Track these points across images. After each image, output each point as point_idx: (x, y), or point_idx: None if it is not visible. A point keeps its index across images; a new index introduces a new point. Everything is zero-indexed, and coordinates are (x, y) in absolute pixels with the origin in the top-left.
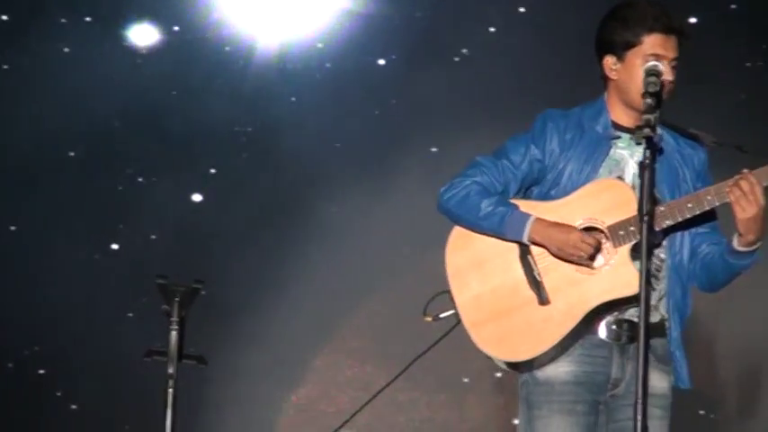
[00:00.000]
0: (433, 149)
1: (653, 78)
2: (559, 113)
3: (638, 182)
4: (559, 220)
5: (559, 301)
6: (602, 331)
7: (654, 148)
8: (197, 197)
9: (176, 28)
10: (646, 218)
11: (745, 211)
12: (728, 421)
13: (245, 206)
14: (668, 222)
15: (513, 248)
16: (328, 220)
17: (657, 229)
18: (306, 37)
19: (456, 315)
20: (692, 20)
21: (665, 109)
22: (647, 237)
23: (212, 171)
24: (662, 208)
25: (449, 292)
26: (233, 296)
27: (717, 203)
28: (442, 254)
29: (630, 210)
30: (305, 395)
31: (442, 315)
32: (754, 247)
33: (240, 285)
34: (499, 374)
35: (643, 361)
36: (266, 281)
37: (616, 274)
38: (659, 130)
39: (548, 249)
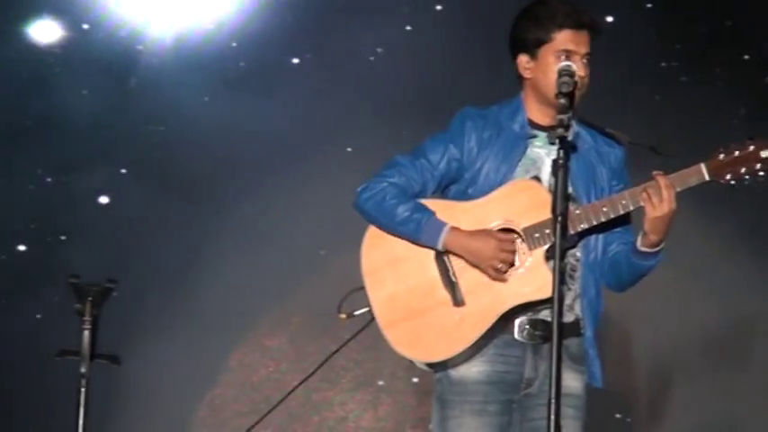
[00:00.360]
0: (349, 149)
1: (566, 78)
2: (477, 112)
3: (554, 181)
4: (475, 221)
5: (474, 303)
6: (516, 331)
7: (567, 148)
8: (105, 199)
9: (86, 26)
10: (559, 217)
11: (656, 209)
12: (641, 424)
13: (158, 206)
14: (583, 226)
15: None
16: (243, 220)
17: (572, 232)
18: (220, 36)
19: (371, 312)
20: (609, 18)
21: (584, 106)
22: (560, 236)
23: (123, 171)
24: (577, 211)
25: (363, 289)
26: (146, 295)
27: (631, 208)
28: (359, 254)
29: (546, 212)
30: (219, 395)
31: (356, 312)
32: (657, 248)
33: (153, 285)
34: (416, 379)
35: (556, 360)
36: (180, 280)
37: (531, 276)
38: (576, 128)
39: (464, 259)
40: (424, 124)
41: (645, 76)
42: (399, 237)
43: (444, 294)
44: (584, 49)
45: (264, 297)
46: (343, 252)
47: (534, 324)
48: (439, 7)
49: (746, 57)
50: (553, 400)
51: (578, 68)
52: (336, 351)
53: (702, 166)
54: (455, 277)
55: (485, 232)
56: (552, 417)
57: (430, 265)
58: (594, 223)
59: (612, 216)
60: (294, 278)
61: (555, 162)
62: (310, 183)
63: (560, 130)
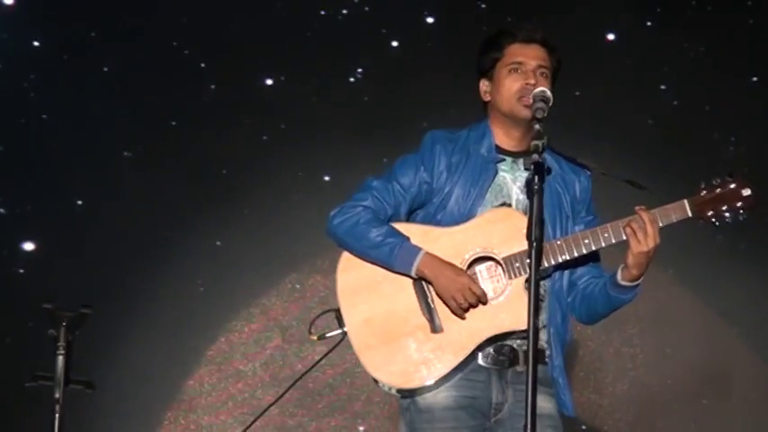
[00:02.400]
0: (326, 178)
1: (541, 104)
2: (446, 135)
3: (522, 206)
4: (453, 248)
5: (452, 331)
6: (481, 356)
7: (542, 174)
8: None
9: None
10: (534, 243)
11: (641, 244)
12: None
13: (127, 231)
14: (564, 257)
15: None
16: (213, 248)
17: (553, 263)
18: (189, 56)
19: (343, 334)
20: (611, 36)
21: (577, 126)
22: (536, 262)
23: (79, 202)
24: (558, 242)
25: (336, 311)
26: (115, 322)
27: (614, 241)
28: (333, 278)
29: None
30: (194, 420)
31: (328, 334)
32: (637, 282)
33: (123, 310)
34: (390, 406)
35: (532, 389)
36: (152, 305)
37: (510, 306)
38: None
39: (432, 286)
40: (406, 148)
41: (639, 97)
42: (372, 262)
43: (422, 320)
44: (535, 62)
45: (239, 322)
46: (317, 276)
47: (498, 349)
48: (431, 19)
49: (755, 79)
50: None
51: (531, 80)
52: (308, 371)
53: (686, 202)
54: (433, 303)
55: (460, 269)
56: None
57: (408, 289)
58: (576, 255)
59: (594, 248)
60: (268, 304)
61: (529, 187)
62: (285, 207)
63: (535, 156)
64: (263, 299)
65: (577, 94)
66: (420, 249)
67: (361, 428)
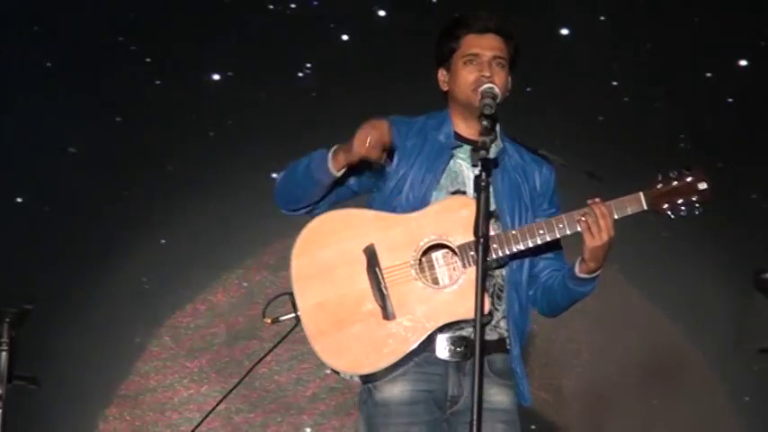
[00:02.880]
0: (273, 175)
1: (489, 101)
2: (403, 120)
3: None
4: (409, 234)
5: (405, 317)
6: (439, 349)
7: (489, 170)
8: None
9: None
10: (481, 239)
11: (594, 238)
12: None
13: (70, 228)
14: (519, 247)
15: (361, 259)
16: (158, 245)
17: (508, 252)
18: (134, 51)
19: (296, 318)
20: (564, 31)
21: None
22: (482, 257)
23: (18, 200)
24: (513, 232)
25: (290, 294)
26: (62, 316)
27: (568, 232)
28: (279, 275)
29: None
30: (140, 415)
31: (282, 318)
32: (595, 274)
33: (75, 303)
34: (337, 402)
35: (478, 381)
36: (102, 298)
37: (464, 294)
38: (504, 144)
39: (351, 154)
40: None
41: (591, 93)
42: (305, 189)
43: (374, 306)
44: (490, 53)
45: (184, 318)
46: (265, 273)
47: (455, 341)
48: (382, 12)
49: (708, 75)
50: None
51: (486, 72)
52: (259, 361)
53: (641, 195)
54: (386, 290)
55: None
56: None
57: (361, 275)
58: (531, 245)
59: (549, 239)
60: (215, 300)
61: (477, 183)
62: (231, 203)
63: (482, 152)
64: (209, 295)
65: (528, 90)
66: (329, 148)
67: (308, 422)
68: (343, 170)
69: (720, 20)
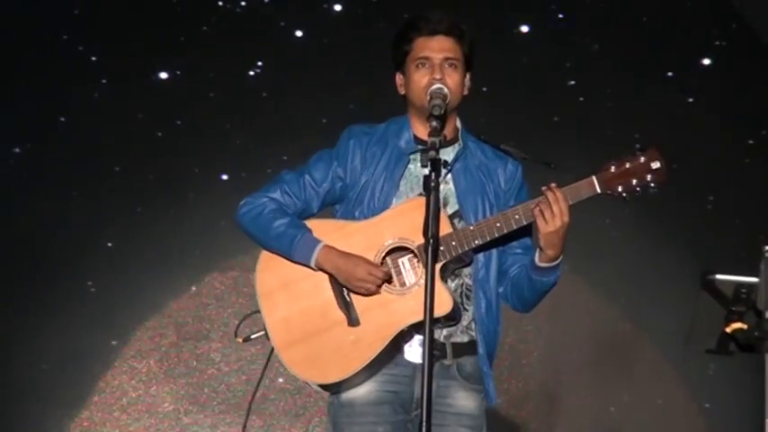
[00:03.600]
0: (224, 177)
1: (438, 101)
2: (363, 130)
3: (444, 196)
4: (368, 240)
5: (370, 322)
6: (407, 351)
7: (438, 171)
8: None
9: None
10: (431, 240)
11: (548, 224)
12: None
13: (14, 230)
14: (477, 242)
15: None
16: (104, 248)
17: (467, 248)
18: (79, 49)
19: (266, 335)
20: (524, 28)
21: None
22: (432, 258)
23: None
24: (471, 227)
25: (259, 312)
26: (3, 324)
27: (524, 222)
28: (230, 277)
29: (441, 228)
30: (87, 416)
31: (253, 336)
32: (555, 263)
33: (19, 307)
34: (286, 402)
35: (427, 385)
36: (47, 302)
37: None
38: (465, 143)
39: (335, 278)
40: (311, 145)
41: (547, 92)
42: (274, 252)
43: (339, 314)
44: (440, 55)
45: (132, 320)
46: (214, 274)
47: (423, 344)
48: (338, 7)
49: (669, 74)
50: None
51: (437, 74)
52: (257, 387)
53: (594, 178)
54: (349, 297)
55: (358, 257)
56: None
57: (324, 285)
58: (488, 239)
59: (506, 231)
60: (164, 301)
61: (426, 183)
62: (180, 205)
63: (431, 153)
64: (157, 297)
65: (484, 90)
66: (319, 242)
67: (257, 424)
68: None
69: (682, 19)
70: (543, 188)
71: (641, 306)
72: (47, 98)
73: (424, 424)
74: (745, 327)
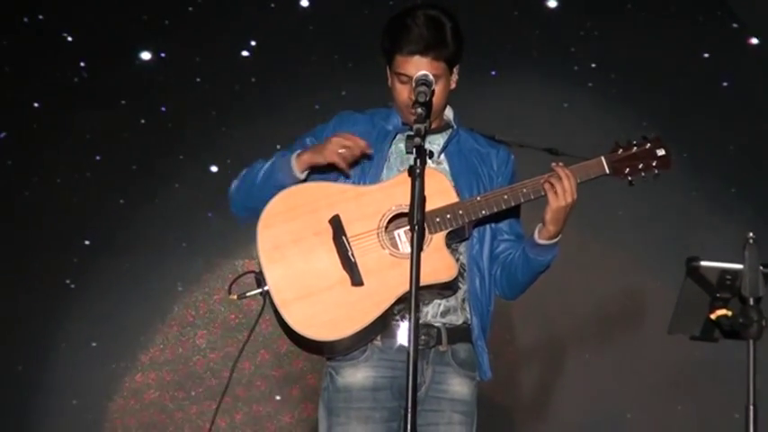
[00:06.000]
0: (214, 169)
1: (423, 88)
2: (352, 113)
3: (441, 169)
4: (370, 206)
5: (373, 283)
6: (403, 336)
7: (424, 157)
8: None
9: None
10: (416, 226)
11: (559, 198)
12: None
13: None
14: (484, 212)
15: (327, 230)
16: (83, 244)
17: (473, 218)
18: (55, 30)
19: (263, 294)
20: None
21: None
22: (418, 245)
23: None
24: (478, 198)
25: (255, 273)
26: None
27: (532, 197)
28: (214, 266)
29: (448, 198)
30: (76, 405)
31: (248, 294)
32: (555, 240)
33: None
34: (272, 389)
35: (413, 369)
36: (27, 294)
37: (431, 259)
38: (455, 131)
39: (320, 155)
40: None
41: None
42: (265, 192)
43: (343, 274)
44: (416, 73)
45: (119, 307)
46: (200, 261)
47: (421, 329)
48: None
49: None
50: (410, 411)
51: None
52: (254, 325)
53: (603, 158)
54: (354, 257)
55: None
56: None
57: (328, 244)
58: (495, 210)
59: (513, 204)
60: (149, 288)
61: (411, 171)
62: (164, 194)
63: (417, 140)
64: (142, 284)
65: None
66: (291, 153)
67: (242, 410)
68: (306, 172)
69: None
70: (553, 164)
71: (629, 293)
72: (19, 82)
73: (408, 411)
74: (729, 313)
